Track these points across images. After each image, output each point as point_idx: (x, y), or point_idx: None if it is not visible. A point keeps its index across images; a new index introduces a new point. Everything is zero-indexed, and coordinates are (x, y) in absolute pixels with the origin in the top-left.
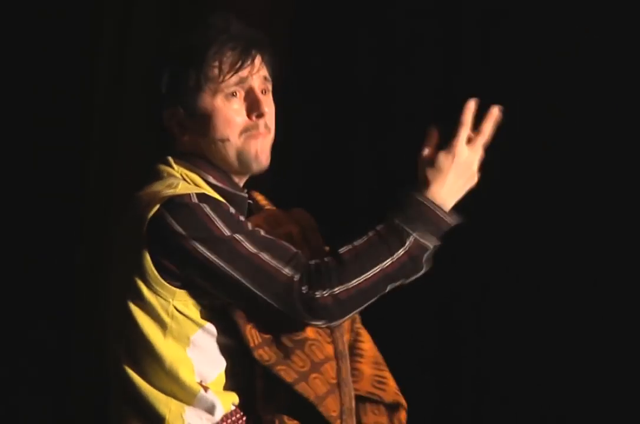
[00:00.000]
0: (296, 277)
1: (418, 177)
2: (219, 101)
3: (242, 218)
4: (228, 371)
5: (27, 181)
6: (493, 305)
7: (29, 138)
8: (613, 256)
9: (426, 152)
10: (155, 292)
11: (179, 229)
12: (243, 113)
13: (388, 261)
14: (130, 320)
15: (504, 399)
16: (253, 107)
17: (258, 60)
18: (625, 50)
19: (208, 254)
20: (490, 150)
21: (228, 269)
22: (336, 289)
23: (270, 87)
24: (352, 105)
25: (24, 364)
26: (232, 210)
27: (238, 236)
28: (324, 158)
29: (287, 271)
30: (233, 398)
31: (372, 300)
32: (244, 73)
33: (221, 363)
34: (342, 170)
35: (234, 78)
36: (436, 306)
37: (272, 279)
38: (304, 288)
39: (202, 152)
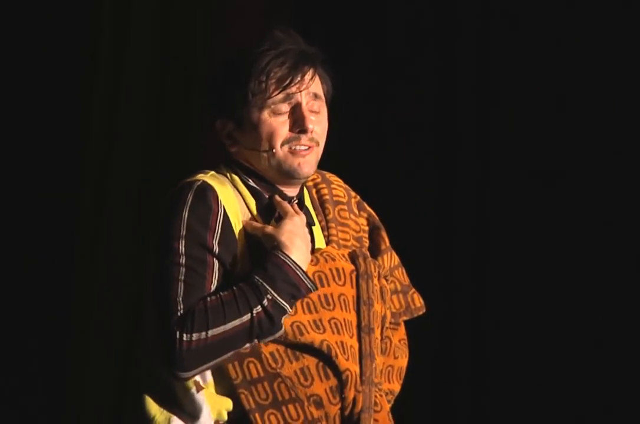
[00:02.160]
0: (179, 313)
1: (271, 241)
2: (265, 115)
3: (216, 223)
4: (226, 375)
5: (26, 181)
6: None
7: (28, 138)
8: (612, 258)
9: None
10: None
11: (160, 219)
12: (287, 127)
13: (246, 316)
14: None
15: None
16: (297, 123)
17: (308, 76)
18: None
19: (157, 253)
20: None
21: (155, 275)
22: (194, 336)
23: (322, 103)
24: (347, 105)
25: (22, 365)
26: (213, 217)
27: (182, 250)
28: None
29: (180, 305)
30: (226, 405)
31: (225, 355)
32: (291, 89)
33: (222, 365)
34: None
35: (281, 95)
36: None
37: (167, 307)
38: (177, 329)
39: (250, 164)
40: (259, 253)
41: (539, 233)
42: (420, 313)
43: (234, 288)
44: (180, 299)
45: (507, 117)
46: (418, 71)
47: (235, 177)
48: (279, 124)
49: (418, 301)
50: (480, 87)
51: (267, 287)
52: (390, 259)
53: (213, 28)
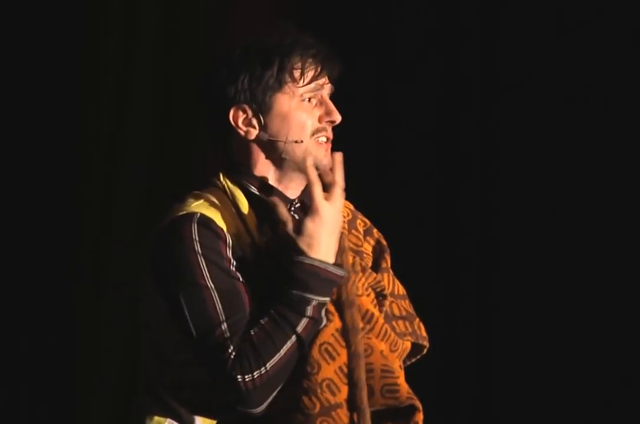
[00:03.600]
0: (233, 355)
1: (292, 245)
2: (295, 103)
3: (228, 254)
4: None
5: (26, 182)
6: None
7: (31, 140)
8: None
9: (288, 221)
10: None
11: (166, 258)
12: (315, 117)
13: (294, 336)
14: (150, 324)
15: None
16: (328, 114)
17: (335, 70)
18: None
19: (178, 293)
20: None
21: (188, 316)
22: (255, 374)
23: None
24: (356, 107)
25: (23, 366)
26: (223, 248)
27: (211, 285)
28: None
29: (230, 345)
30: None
31: (287, 376)
32: (320, 81)
33: None
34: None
35: (312, 85)
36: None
37: (216, 349)
38: (236, 373)
39: (264, 150)
40: (270, 262)
41: (544, 240)
42: (425, 342)
43: (272, 311)
44: (229, 340)
45: (510, 120)
46: (423, 77)
47: (236, 190)
48: (309, 114)
49: (424, 331)
50: (483, 92)
51: (307, 295)
52: (391, 282)
53: (218, 31)
